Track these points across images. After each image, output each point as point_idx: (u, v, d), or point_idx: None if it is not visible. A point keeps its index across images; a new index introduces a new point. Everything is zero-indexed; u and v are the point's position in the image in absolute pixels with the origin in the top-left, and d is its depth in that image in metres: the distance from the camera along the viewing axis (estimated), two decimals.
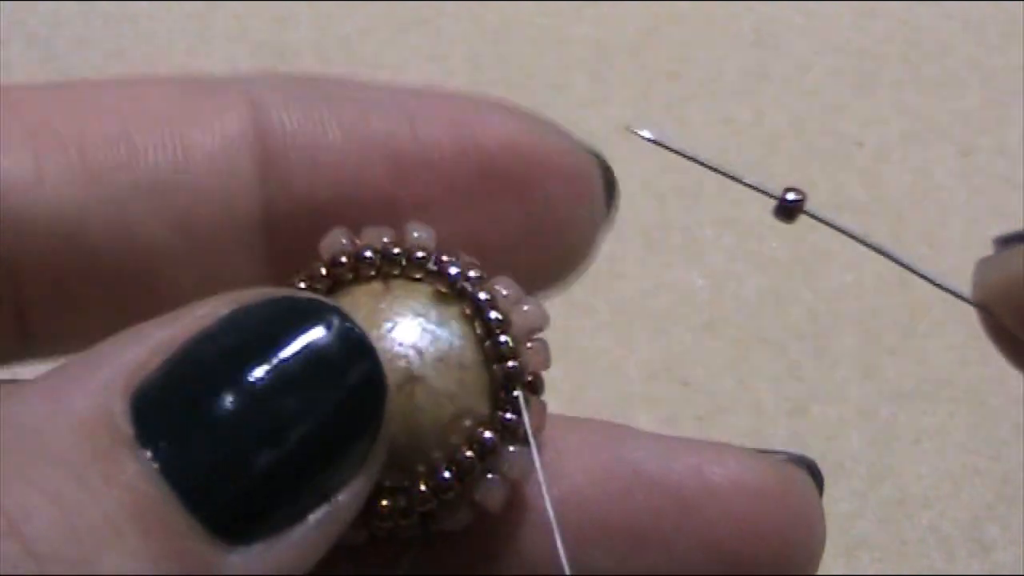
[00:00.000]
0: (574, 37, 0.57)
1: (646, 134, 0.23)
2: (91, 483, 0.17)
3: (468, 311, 0.21)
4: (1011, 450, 0.46)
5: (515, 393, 0.21)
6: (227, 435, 0.18)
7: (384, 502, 0.21)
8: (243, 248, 0.22)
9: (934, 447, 0.46)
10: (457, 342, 0.21)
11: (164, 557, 0.17)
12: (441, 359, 0.21)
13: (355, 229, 0.22)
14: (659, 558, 0.22)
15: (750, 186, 0.23)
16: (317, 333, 0.19)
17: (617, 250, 0.50)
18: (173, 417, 0.18)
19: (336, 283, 0.22)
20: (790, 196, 0.22)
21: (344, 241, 0.22)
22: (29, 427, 0.17)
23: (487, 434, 0.21)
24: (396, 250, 0.22)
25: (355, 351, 0.19)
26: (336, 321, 0.19)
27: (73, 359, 0.19)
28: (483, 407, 0.21)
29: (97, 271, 0.22)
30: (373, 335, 0.20)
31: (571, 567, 0.20)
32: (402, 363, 0.21)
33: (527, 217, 0.23)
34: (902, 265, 0.23)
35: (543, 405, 0.22)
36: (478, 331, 0.21)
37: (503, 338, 0.21)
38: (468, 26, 0.57)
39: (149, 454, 0.17)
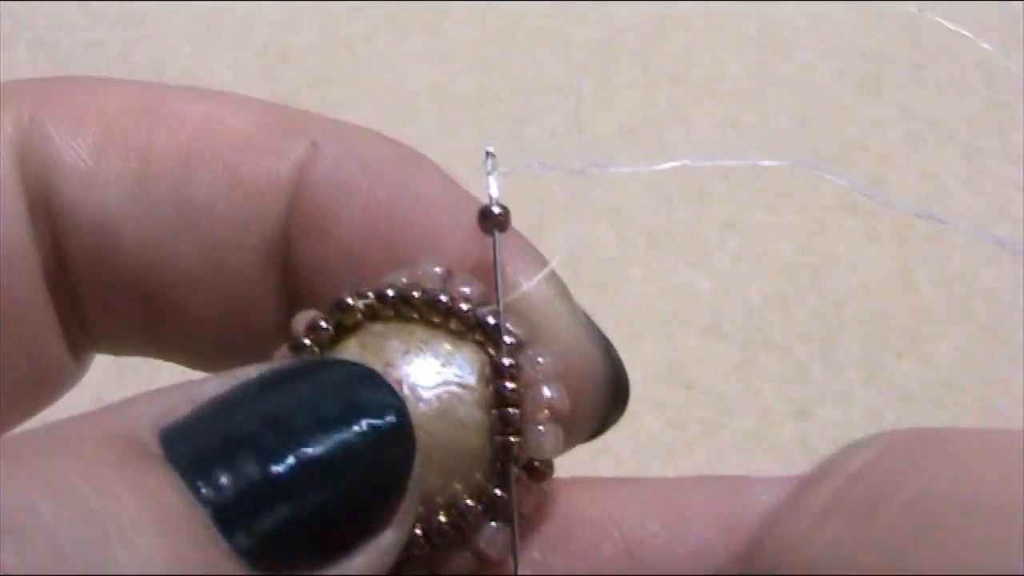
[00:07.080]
0: (578, 40, 0.57)
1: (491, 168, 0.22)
2: (105, 482, 0.17)
3: (487, 369, 0.21)
4: None
5: (515, 471, 0.20)
6: (255, 477, 0.18)
7: None
8: (263, 283, 0.23)
9: None
10: (468, 397, 0.20)
11: (180, 560, 0.17)
12: (443, 412, 0.20)
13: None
14: None
15: None
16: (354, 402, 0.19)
17: (622, 253, 0.50)
18: (201, 450, 0.18)
19: (342, 325, 0.21)
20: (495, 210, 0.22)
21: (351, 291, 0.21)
22: (56, 434, 0.17)
23: (468, 502, 0.20)
24: (438, 296, 0.21)
25: (389, 426, 0.19)
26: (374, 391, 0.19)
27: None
28: (477, 471, 0.20)
29: (121, 278, 0.23)
30: (380, 368, 0.20)
31: None
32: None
33: None
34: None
35: (542, 492, 0.21)
36: (490, 390, 0.21)
37: (511, 411, 0.20)
38: (472, 29, 0.57)
39: (176, 474, 0.17)
